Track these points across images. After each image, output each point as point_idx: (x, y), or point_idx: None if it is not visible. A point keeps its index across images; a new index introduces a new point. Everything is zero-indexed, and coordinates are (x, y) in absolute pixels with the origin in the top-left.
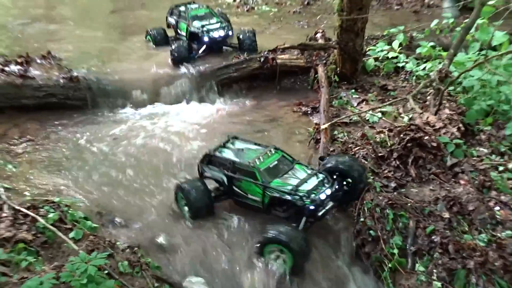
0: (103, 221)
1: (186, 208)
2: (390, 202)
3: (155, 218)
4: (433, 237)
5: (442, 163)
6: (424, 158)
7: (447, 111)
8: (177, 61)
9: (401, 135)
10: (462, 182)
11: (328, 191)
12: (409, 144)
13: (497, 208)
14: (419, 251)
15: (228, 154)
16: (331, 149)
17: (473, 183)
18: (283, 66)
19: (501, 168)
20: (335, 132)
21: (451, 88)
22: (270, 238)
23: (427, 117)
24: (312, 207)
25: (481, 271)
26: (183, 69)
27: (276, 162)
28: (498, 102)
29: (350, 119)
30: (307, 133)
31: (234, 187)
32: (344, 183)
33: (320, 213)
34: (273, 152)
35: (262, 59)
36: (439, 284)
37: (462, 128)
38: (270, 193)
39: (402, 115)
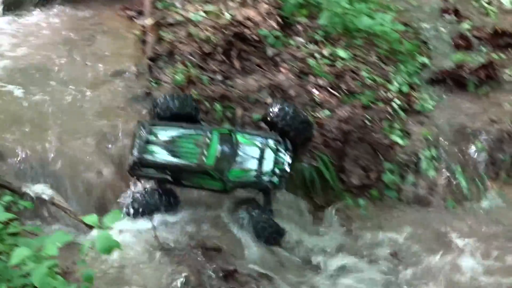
0: None
1: None
2: (218, 93)
3: None
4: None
5: (264, 54)
6: (246, 51)
7: (265, 5)
8: None
9: (224, 31)
10: (282, 70)
11: (288, 158)
12: (232, 39)
13: (316, 91)
14: None
15: (159, 153)
16: (158, 49)
17: (293, 70)
18: None
19: (317, 55)
20: (161, 33)
21: None
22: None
23: (247, 13)
24: (283, 183)
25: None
26: None
27: (220, 148)
28: None
29: (175, 20)
30: (134, 36)
31: (183, 182)
32: None
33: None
34: (210, 136)
35: None
36: None
37: (280, 21)
38: (232, 185)
39: (224, 12)
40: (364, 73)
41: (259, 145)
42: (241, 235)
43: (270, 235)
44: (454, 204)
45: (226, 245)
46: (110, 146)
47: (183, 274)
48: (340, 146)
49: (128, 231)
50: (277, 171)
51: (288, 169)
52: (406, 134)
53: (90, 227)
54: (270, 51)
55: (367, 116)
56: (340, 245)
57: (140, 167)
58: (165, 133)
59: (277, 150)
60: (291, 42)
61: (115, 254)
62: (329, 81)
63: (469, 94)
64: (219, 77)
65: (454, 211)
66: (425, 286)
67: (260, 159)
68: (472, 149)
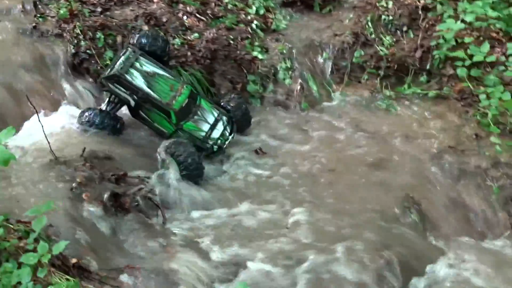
0: None
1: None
2: (99, 23)
3: None
4: None
5: None
6: None
7: None
8: None
9: None
10: (155, 0)
11: (230, 138)
12: None
13: (185, 17)
14: None
15: (138, 79)
16: None
17: (164, 0)
18: None
19: None
20: None
21: None
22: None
23: None
24: (216, 152)
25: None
26: None
27: (187, 100)
28: None
29: None
30: None
31: (141, 112)
32: None
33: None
34: (185, 87)
35: None
36: None
37: None
38: (182, 134)
39: None
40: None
41: (215, 115)
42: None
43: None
44: (307, 106)
45: (118, 154)
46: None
47: (76, 180)
48: (209, 63)
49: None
50: (219, 142)
51: (226, 144)
52: (264, 49)
53: None
54: None
55: (231, 36)
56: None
57: (114, 82)
58: (149, 66)
59: (226, 126)
60: None
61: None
62: (196, 8)
63: (315, 13)
64: (99, 9)
65: (308, 112)
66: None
67: (212, 126)
68: (320, 59)
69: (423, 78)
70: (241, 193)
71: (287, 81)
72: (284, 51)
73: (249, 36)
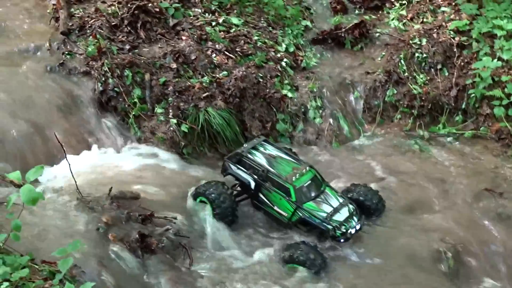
0: None
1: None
2: (127, 61)
3: None
4: (166, 85)
5: (166, 25)
6: (150, 22)
7: None
8: None
9: (129, 5)
10: (183, 38)
11: (358, 227)
12: (136, 12)
13: (214, 55)
14: (156, 97)
15: (260, 159)
16: (70, 24)
17: (193, 37)
18: None
19: (213, 23)
20: (72, 10)
21: None
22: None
23: None
24: (342, 240)
25: (209, 105)
26: None
27: (309, 182)
28: None
29: None
30: (47, 14)
31: (261, 195)
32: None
33: (342, 241)
34: (307, 169)
35: None
36: (175, 120)
37: None
38: (301, 214)
39: None
40: (255, 37)
41: (341, 200)
42: None
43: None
44: (338, 145)
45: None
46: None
47: (102, 220)
48: (238, 102)
49: (51, 187)
50: (343, 228)
51: (353, 233)
52: (294, 88)
53: (17, 186)
54: (171, 21)
55: (260, 74)
56: None
57: (236, 162)
58: (273, 151)
59: (352, 214)
60: (190, 12)
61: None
62: (225, 45)
63: (346, 50)
64: (127, 47)
65: (338, 150)
66: None
67: (336, 210)
68: (351, 97)
69: (458, 117)
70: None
71: (318, 120)
72: (315, 89)
73: (279, 74)
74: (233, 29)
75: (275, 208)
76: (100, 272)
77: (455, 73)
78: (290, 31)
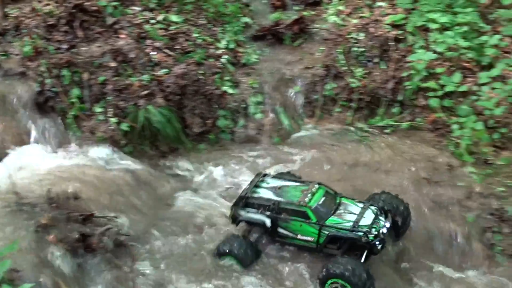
0: None
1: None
2: (64, 61)
3: None
4: (105, 84)
5: (104, 23)
6: (88, 21)
7: None
8: None
9: (65, 4)
10: (122, 36)
11: (388, 224)
12: (73, 11)
13: (153, 52)
14: (95, 97)
15: (266, 194)
16: (5, 24)
17: (132, 35)
18: None
19: (152, 21)
20: (7, 10)
21: None
22: (332, 273)
23: None
24: (378, 243)
25: (149, 103)
26: None
27: (323, 198)
28: None
29: None
30: None
31: (280, 229)
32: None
33: (379, 247)
34: (317, 187)
35: None
36: (114, 119)
37: None
38: (328, 232)
39: None
40: (195, 34)
41: (361, 205)
42: None
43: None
44: (279, 139)
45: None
46: None
47: (42, 221)
48: (178, 99)
49: None
50: (373, 230)
51: (385, 232)
52: (235, 84)
53: None
54: (109, 20)
55: (200, 71)
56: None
57: (244, 206)
58: (276, 182)
59: (378, 214)
60: (128, 11)
61: None
62: (164, 43)
63: (286, 46)
64: (65, 46)
65: (279, 144)
66: None
67: (359, 216)
68: (291, 92)
69: (395, 109)
70: None
71: (258, 115)
72: (255, 85)
73: (219, 71)
74: (173, 27)
75: (299, 236)
76: (38, 274)
77: (392, 66)
78: (230, 28)
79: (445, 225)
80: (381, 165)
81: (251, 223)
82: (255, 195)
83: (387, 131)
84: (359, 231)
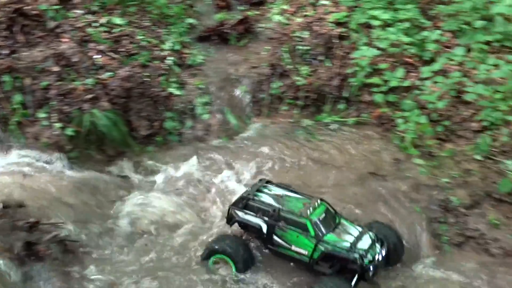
0: None
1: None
2: (5, 66)
3: None
4: (48, 89)
5: (45, 27)
6: (29, 25)
7: None
8: None
9: (4, 8)
10: (64, 40)
11: (383, 252)
12: (13, 15)
13: (97, 56)
14: (38, 102)
15: (267, 199)
16: None
17: (74, 39)
18: None
19: (95, 24)
20: None
21: None
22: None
23: None
24: (371, 269)
25: (94, 107)
26: None
27: (324, 215)
28: None
29: None
30: None
31: (275, 237)
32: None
33: (371, 274)
34: (319, 203)
35: None
36: (59, 124)
37: None
38: (323, 248)
39: None
40: (139, 36)
41: (359, 229)
42: None
43: None
44: (226, 138)
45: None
46: None
47: None
48: (124, 102)
49: None
50: (369, 255)
51: (380, 260)
52: (181, 85)
53: None
54: (51, 24)
55: (145, 73)
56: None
57: (243, 208)
58: (279, 190)
59: (375, 241)
60: (70, 14)
61: None
62: (108, 46)
63: (231, 46)
64: (5, 51)
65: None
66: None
67: (357, 238)
68: (238, 92)
69: (341, 105)
70: None
71: (205, 116)
72: (202, 86)
73: (165, 73)
74: (116, 29)
75: (293, 248)
76: None
77: (336, 64)
78: (174, 30)
79: (393, 217)
80: (330, 161)
81: (245, 226)
82: (257, 198)
83: (334, 127)
84: (355, 253)
